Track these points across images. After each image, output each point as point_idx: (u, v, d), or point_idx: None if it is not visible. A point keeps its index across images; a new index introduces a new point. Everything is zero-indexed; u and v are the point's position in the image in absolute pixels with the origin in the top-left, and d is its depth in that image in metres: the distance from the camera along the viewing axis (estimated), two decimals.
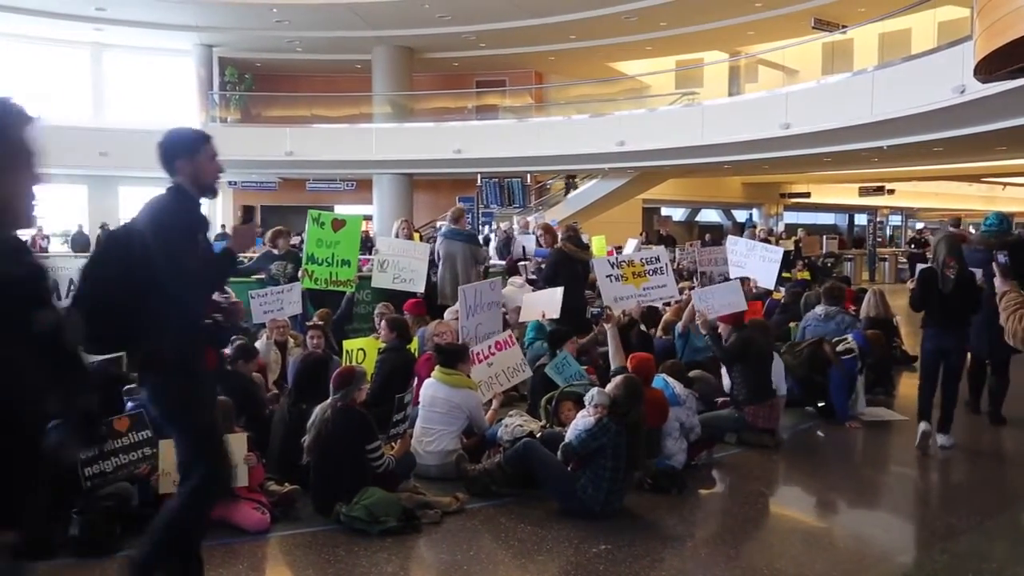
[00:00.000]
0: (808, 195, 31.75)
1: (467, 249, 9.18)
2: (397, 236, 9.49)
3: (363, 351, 7.20)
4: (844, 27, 18.27)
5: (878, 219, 33.20)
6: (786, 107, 15.77)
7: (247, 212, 26.08)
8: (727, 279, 9.96)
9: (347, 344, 7.28)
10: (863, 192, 29.35)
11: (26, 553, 1.90)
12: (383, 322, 7.10)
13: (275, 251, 8.94)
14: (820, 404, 7.58)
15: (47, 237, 21.86)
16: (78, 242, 21.81)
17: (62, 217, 23.58)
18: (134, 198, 25.19)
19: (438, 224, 19.34)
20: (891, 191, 29.13)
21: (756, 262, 9.74)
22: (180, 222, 3.44)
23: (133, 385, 5.52)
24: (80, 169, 23.20)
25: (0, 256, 1.95)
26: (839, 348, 7.50)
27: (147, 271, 3.22)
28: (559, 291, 7.72)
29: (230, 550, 4.45)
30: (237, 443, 4.71)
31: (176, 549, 3.43)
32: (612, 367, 6.19)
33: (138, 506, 4.64)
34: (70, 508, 4.34)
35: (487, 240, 13.91)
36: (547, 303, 7.65)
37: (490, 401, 6.32)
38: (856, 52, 21.12)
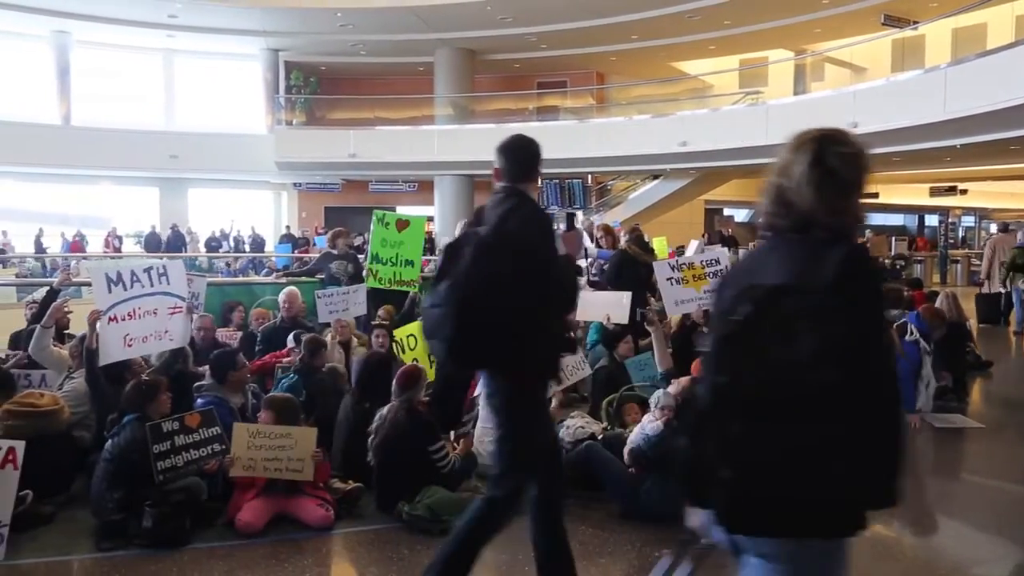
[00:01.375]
0: (876, 195, 30.90)
1: None
2: None
3: (414, 336, 7.31)
4: (915, 23, 17.79)
5: (950, 220, 32.24)
6: (854, 106, 15.42)
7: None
8: None
9: (398, 333, 7.42)
10: (934, 192, 28.50)
11: None
12: None
13: (334, 251, 9.07)
14: None
15: (119, 237, 22.53)
16: (151, 243, 22.44)
17: (134, 218, 24.26)
18: (202, 200, 25.92)
19: None
20: (964, 191, 28.23)
21: None
22: (551, 234, 3.37)
23: (204, 382, 5.68)
24: (152, 171, 24.00)
25: None
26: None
27: (524, 285, 3.16)
28: (627, 296, 7.64)
29: (296, 545, 4.52)
30: (306, 437, 4.79)
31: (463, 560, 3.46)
32: (659, 370, 6.12)
33: (207, 500, 4.76)
34: (144, 501, 4.46)
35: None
36: (613, 306, 7.57)
37: (549, 400, 6.30)
38: (928, 48, 20.53)
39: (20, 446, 4.26)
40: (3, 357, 6.88)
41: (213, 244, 23.29)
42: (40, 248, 21.06)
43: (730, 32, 20.73)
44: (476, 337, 3.14)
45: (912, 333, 7.26)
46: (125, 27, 21.80)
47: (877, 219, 34.13)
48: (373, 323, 7.66)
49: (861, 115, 15.16)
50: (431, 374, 7.13)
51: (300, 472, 4.74)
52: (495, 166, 3.44)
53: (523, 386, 3.32)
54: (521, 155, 3.43)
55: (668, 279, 7.12)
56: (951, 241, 27.67)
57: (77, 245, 21.27)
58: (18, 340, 7.25)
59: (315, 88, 25.28)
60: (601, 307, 7.71)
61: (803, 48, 22.88)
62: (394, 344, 7.30)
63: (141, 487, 4.53)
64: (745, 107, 19.70)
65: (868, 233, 20.41)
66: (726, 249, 11.16)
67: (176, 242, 22.36)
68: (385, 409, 5.02)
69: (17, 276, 16.63)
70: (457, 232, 9.61)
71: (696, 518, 2.23)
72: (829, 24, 19.79)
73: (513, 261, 3.14)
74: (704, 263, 7.20)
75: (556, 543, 3.51)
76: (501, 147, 3.45)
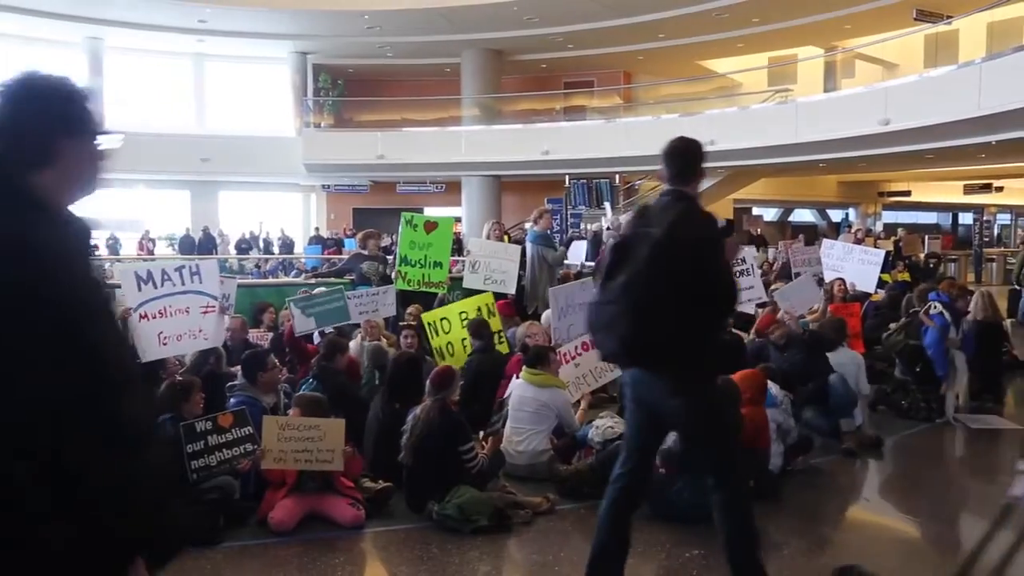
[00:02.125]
0: (908, 193, 30.59)
1: (537, 250, 9.24)
2: (488, 238, 9.56)
3: (448, 320, 7.39)
4: (949, 17, 17.53)
5: (984, 218, 31.73)
6: (885, 102, 15.23)
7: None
8: (821, 279, 9.73)
9: (428, 316, 7.56)
10: (968, 190, 28.08)
11: None
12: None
13: (364, 252, 9.12)
14: (917, 368, 7.42)
15: (153, 240, 22.81)
16: (185, 245, 22.71)
17: (167, 221, 24.56)
18: (233, 202, 26.17)
19: (526, 225, 19.43)
20: (999, 188, 27.79)
21: (854, 264, 9.46)
22: (720, 238, 3.48)
23: (236, 382, 5.74)
24: (183, 175, 24.29)
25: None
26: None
27: (696, 286, 3.27)
28: None
29: (327, 544, 4.56)
30: (335, 428, 4.82)
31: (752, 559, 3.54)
32: None
33: (240, 499, 4.81)
34: (178, 500, 4.51)
35: (569, 241, 13.77)
36: None
37: (578, 401, 6.31)
38: (962, 43, 20.22)
39: None
40: None
41: (243, 246, 23.51)
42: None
43: (758, 30, 20.56)
44: (652, 335, 3.26)
45: (936, 308, 7.34)
46: (156, 32, 22.09)
47: (909, 217, 33.72)
48: (401, 323, 7.70)
49: (893, 112, 15.00)
50: (465, 357, 7.25)
51: (330, 463, 4.78)
52: (660, 169, 3.55)
53: (699, 383, 3.42)
54: (685, 158, 3.53)
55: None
56: (986, 239, 27.18)
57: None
58: None
59: (343, 90, 25.44)
60: None
61: (833, 45, 22.63)
62: (427, 327, 7.38)
63: (176, 485, 4.59)
64: (774, 105, 19.53)
65: (901, 231, 20.12)
66: (753, 248, 11.07)
67: (207, 244, 22.61)
68: (418, 409, 5.05)
69: None
70: (485, 234, 9.68)
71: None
72: (860, 20, 19.56)
73: (688, 262, 3.26)
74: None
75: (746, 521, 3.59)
76: (666, 152, 3.54)
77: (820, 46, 22.77)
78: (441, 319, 7.64)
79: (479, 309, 7.70)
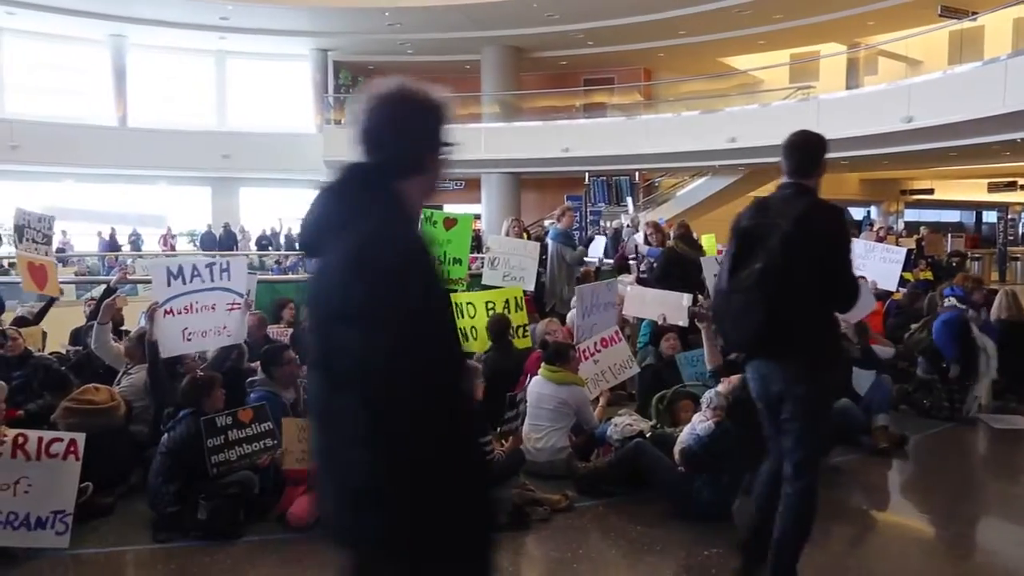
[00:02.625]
0: (931, 191, 30.32)
1: (556, 247, 9.24)
2: (508, 234, 9.54)
3: (472, 304, 7.55)
4: (974, 14, 17.33)
5: (1009, 216, 31.36)
6: (908, 100, 15.09)
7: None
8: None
9: (456, 298, 7.70)
10: (992, 188, 27.76)
11: None
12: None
13: None
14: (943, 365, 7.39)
15: (175, 236, 22.98)
16: (207, 241, 22.86)
17: (188, 217, 24.74)
18: (253, 199, 26.33)
19: (546, 223, 19.39)
20: None
21: (876, 263, 9.35)
22: (847, 231, 3.60)
23: (256, 378, 5.77)
24: (204, 171, 24.45)
25: None
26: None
27: (823, 278, 3.38)
28: (687, 297, 7.57)
29: None
30: None
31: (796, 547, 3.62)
32: (708, 368, 6.05)
33: (259, 494, 4.83)
34: (199, 493, 4.55)
35: (589, 240, 13.76)
36: (671, 307, 7.45)
37: (597, 398, 6.29)
38: (987, 39, 19.99)
39: (81, 438, 4.39)
40: (64, 353, 7.08)
41: (263, 242, 23.64)
42: (113, 246, 21.52)
43: (780, 26, 20.44)
44: (785, 324, 3.36)
45: (950, 302, 7.51)
46: (179, 30, 22.27)
47: (933, 215, 33.39)
48: None
49: (916, 109, 14.85)
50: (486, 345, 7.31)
51: None
52: (779, 161, 3.65)
53: (821, 372, 3.49)
54: (805, 151, 3.64)
55: (715, 275, 7.03)
56: (1010, 238, 26.86)
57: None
58: (78, 336, 7.47)
59: (363, 87, 25.50)
60: (658, 306, 7.61)
61: (856, 42, 22.46)
62: (456, 307, 7.51)
63: (196, 480, 4.62)
64: (796, 102, 19.39)
65: (923, 230, 19.95)
66: None
67: (228, 241, 22.75)
68: None
69: (77, 274, 17.07)
70: (504, 231, 9.66)
71: None
72: (883, 17, 19.39)
73: (819, 254, 3.35)
74: None
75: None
76: (786, 145, 3.65)
77: (843, 43, 22.60)
78: (467, 303, 7.75)
79: (507, 302, 7.73)
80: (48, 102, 23.02)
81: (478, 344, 7.50)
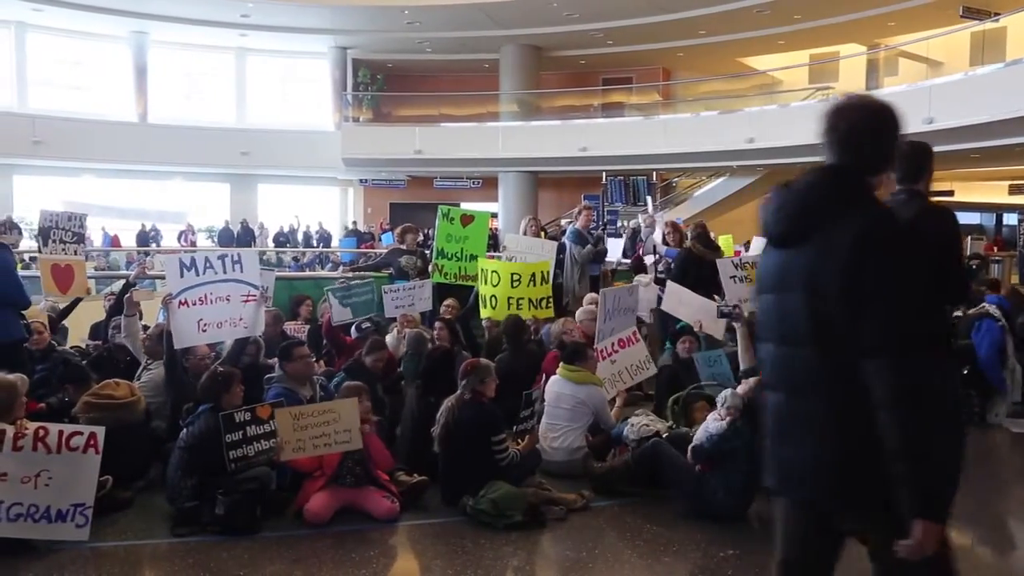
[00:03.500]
0: (951, 193, 29.95)
1: (570, 246, 9.25)
2: (525, 233, 9.54)
3: (497, 273, 7.66)
4: (996, 14, 17.14)
5: None
6: (929, 101, 14.95)
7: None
8: None
9: (482, 263, 7.92)
10: (1014, 190, 27.44)
11: None
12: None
13: (402, 246, 9.16)
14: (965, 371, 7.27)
15: (194, 232, 23.12)
16: (224, 237, 22.99)
17: (206, 214, 24.87)
18: (271, 195, 26.46)
19: (563, 222, 19.38)
20: None
21: None
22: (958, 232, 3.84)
23: (273, 374, 5.80)
24: (223, 168, 24.58)
25: None
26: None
27: (941, 275, 3.45)
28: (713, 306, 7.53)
29: (362, 536, 4.60)
30: (348, 407, 4.86)
31: None
32: (741, 368, 6.02)
33: (276, 490, 4.86)
34: (217, 489, 4.58)
35: (597, 239, 13.56)
36: (706, 314, 7.35)
37: (613, 399, 6.28)
38: (1009, 41, 19.78)
39: (100, 432, 4.42)
40: (84, 347, 7.14)
41: (281, 239, 23.75)
42: (144, 241, 21.65)
43: (800, 27, 20.31)
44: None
45: (993, 310, 7.33)
46: (200, 27, 22.39)
47: None
48: (439, 317, 7.70)
49: (937, 111, 14.71)
50: (508, 314, 7.39)
51: (349, 442, 4.81)
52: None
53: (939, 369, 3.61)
54: (912, 159, 3.74)
55: (732, 277, 7.00)
56: None
57: (116, 240, 21.64)
58: (98, 331, 7.53)
59: (382, 85, 25.57)
60: (695, 311, 7.52)
61: (876, 42, 22.28)
62: (479, 272, 7.81)
63: (214, 475, 4.65)
64: (815, 103, 19.25)
65: None
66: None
67: (245, 237, 22.86)
68: (447, 400, 5.07)
69: (96, 269, 17.19)
70: (522, 229, 9.65)
71: None
72: (904, 17, 19.23)
73: (935, 254, 3.43)
74: None
75: None
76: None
77: (863, 43, 22.42)
78: (492, 271, 7.81)
79: (532, 276, 7.75)
80: (70, 98, 23.20)
81: (497, 312, 7.62)
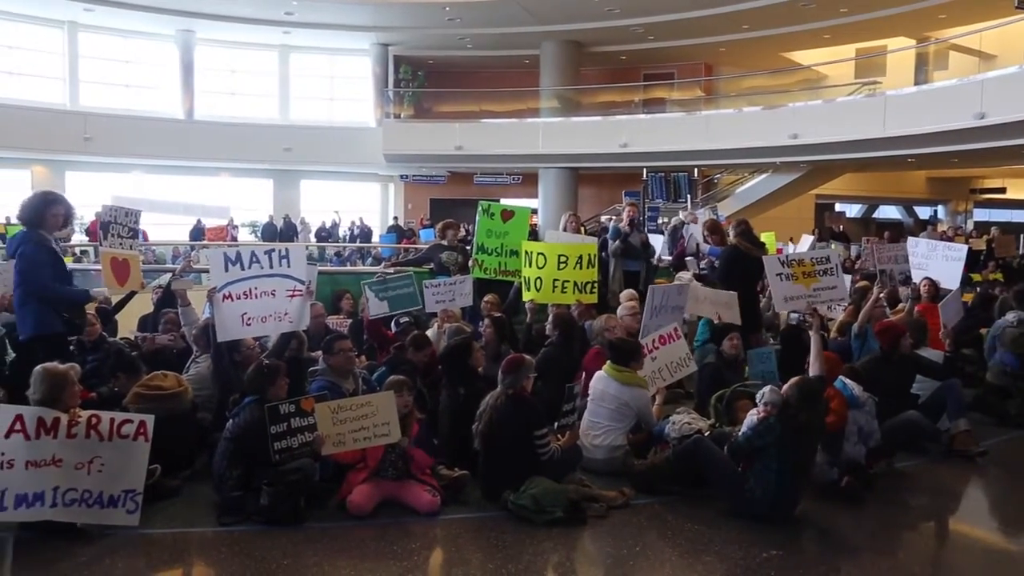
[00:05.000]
0: (1003, 190, 29.34)
1: (609, 242, 9.24)
2: (565, 229, 9.53)
3: (543, 255, 7.78)
4: None
5: None
6: (981, 95, 14.64)
7: None
8: (908, 278, 9.45)
9: (527, 245, 8.05)
10: None
11: None
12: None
13: (444, 242, 9.20)
14: None
15: (236, 227, 23.40)
16: (267, 232, 23.24)
17: (249, 209, 25.15)
18: (313, 191, 26.74)
19: (602, 218, 19.27)
20: None
21: (938, 262, 9.16)
22: None
23: (317, 367, 5.87)
24: (266, 164, 24.91)
25: None
26: None
27: None
28: (733, 296, 7.51)
29: (403, 528, 4.64)
30: (385, 400, 4.91)
31: None
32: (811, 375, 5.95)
33: (319, 481, 4.92)
34: (261, 479, 4.66)
35: (626, 236, 13.42)
36: (723, 306, 7.41)
37: (653, 396, 6.25)
38: None
39: (150, 419, 4.52)
40: (133, 339, 7.29)
41: (323, 234, 23.97)
42: (196, 236, 21.99)
43: (847, 20, 19.96)
44: None
45: None
46: (245, 25, 22.69)
47: (1003, 216, 32.32)
48: (484, 313, 7.73)
49: (989, 105, 14.40)
50: (553, 297, 7.64)
51: (388, 435, 4.85)
52: None
53: None
54: None
55: (778, 275, 6.92)
56: None
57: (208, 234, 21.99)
58: (146, 323, 7.67)
59: (422, 82, 25.68)
60: (711, 304, 7.56)
61: (926, 35, 21.83)
62: (523, 255, 7.93)
63: (258, 466, 4.73)
64: (861, 98, 18.98)
65: (994, 231, 19.33)
66: (839, 246, 10.80)
67: (288, 232, 23.10)
68: (489, 396, 5.09)
69: (145, 263, 17.46)
70: (562, 225, 9.64)
71: None
72: (955, 9, 18.81)
73: None
74: (814, 260, 6.96)
75: None
76: None
77: (912, 37, 21.99)
78: (538, 253, 7.88)
79: (580, 258, 7.75)
80: (119, 96, 23.65)
81: (541, 295, 7.75)
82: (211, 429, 5.49)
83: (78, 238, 18.84)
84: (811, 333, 5.76)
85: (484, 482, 5.07)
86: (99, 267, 7.31)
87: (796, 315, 6.75)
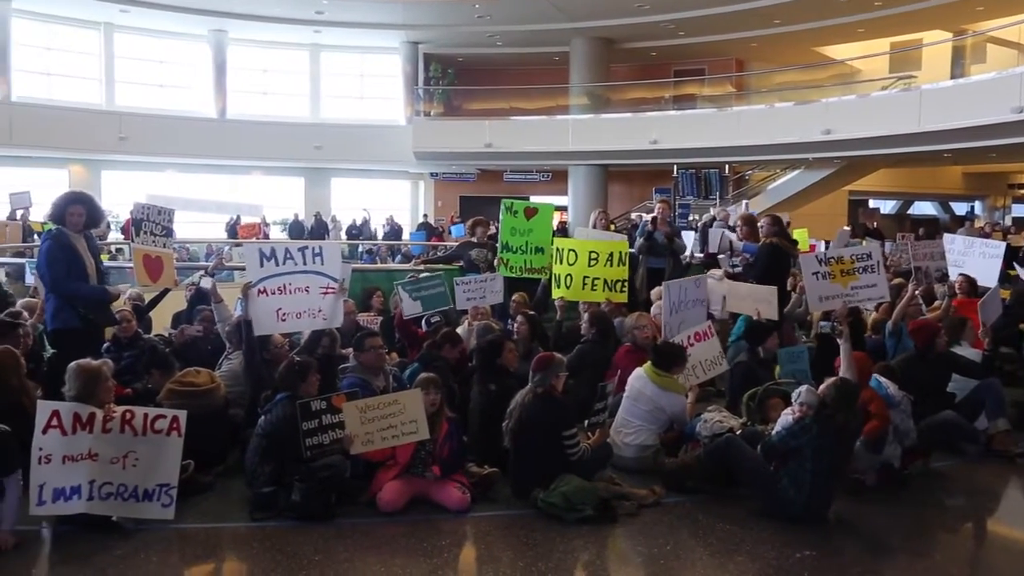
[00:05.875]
0: None
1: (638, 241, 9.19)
2: (594, 226, 9.50)
3: (574, 252, 7.79)
4: None
5: None
6: (1021, 88, 14.35)
7: None
8: (945, 275, 9.29)
9: (559, 242, 8.08)
10: None
11: None
12: (586, 316, 7.23)
13: (473, 239, 9.20)
14: None
15: (268, 224, 23.61)
16: (294, 230, 23.42)
17: (281, 207, 25.37)
18: (344, 189, 26.92)
19: (632, 215, 19.21)
20: None
21: (975, 259, 9.01)
22: None
23: (349, 364, 5.90)
24: (298, 162, 25.13)
25: None
26: None
27: None
28: (773, 291, 7.41)
29: (433, 525, 4.65)
30: (413, 398, 4.92)
31: None
32: None
33: (350, 478, 4.95)
34: (293, 475, 4.69)
35: (645, 234, 13.24)
36: (762, 301, 7.32)
37: (686, 394, 6.20)
38: None
39: (183, 415, 4.57)
40: (167, 336, 7.38)
41: (353, 232, 24.11)
42: (231, 232, 22.23)
43: (881, 14, 19.67)
44: None
45: None
46: (276, 24, 22.88)
47: None
48: (515, 311, 7.72)
49: None
50: (582, 295, 7.69)
51: (416, 433, 4.86)
52: None
53: None
54: None
55: (814, 273, 6.82)
56: None
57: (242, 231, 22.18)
58: (179, 320, 7.77)
59: (452, 79, 25.73)
60: (750, 301, 7.46)
61: (963, 28, 21.46)
62: (555, 252, 7.96)
63: (290, 462, 4.76)
64: (896, 92, 18.70)
65: None
66: (881, 244, 10.64)
67: (319, 230, 23.27)
68: (519, 394, 5.08)
69: (178, 261, 17.67)
70: (592, 222, 9.60)
71: None
72: (993, 1, 18.48)
73: None
74: (854, 257, 6.85)
75: None
76: None
77: (948, 30, 21.63)
78: (569, 249, 7.89)
79: (611, 255, 7.75)
80: (153, 95, 23.95)
81: (571, 292, 7.76)
82: (243, 425, 5.54)
83: (114, 236, 19.14)
84: (840, 342, 5.70)
85: (514, 480, 5.06)
86: (132, 264, 7.43)
87: (826, 324, 6.65)
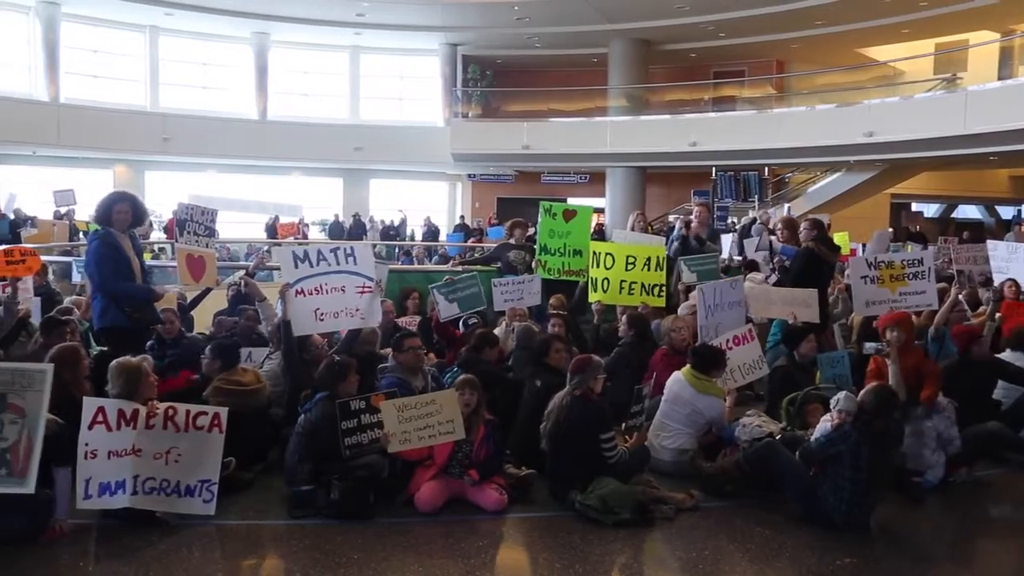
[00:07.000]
0: None
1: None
2: (632, 229, 9.47)
3: (611, 255, 7.78)
4: None
5: None
6: None
7: None
8: (988, 279, 9.13)
9: (595, 245, 8.08)
10: None
11: None
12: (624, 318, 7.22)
13: (511, 241, 9.21)
14: None
15: (307, 224, 23.85)
16: (334, 231, 23.61)
17: (320, 207, 25.62)
18: (383, 190, 27.11)
19: (670, 218, 19.08)
20: None
21: (1020, 264, 8.83)
22: None
23: (387, 364, 5.94)
24: (337, 163, 25.35)
25: None
26: None
27: None
28: (813, 294, 7.31)
29: (470, 526, 4.67)
30: (449, 398, 4.96)
31: None
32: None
33: (388, 477, 4.98)
34: (331, 474, 4.74)
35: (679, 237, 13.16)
36: (800, 305, 7.21)
37: (724, 397, 6.15)
38: None
39: (224, 411, 4.64)
40: (209, 335, 7.48)
41: (390, 232, 24.26)
42: (273, 233, 22.52)
43: (926, 14, 19.35)
44: None
45: None
46: (317, 27, 23.14)
47: None
48: (551, 311, 7.73)
49: None
50: (619, 299, 7.70)
51: (452, 433, 4.89)
52: None
53: None
54: None
55: (863, 277, 6.73)
56: None
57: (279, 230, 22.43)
58: (220, 323, 7.87)
59: (491, 81, 25.79)
60: (786, 304, 7.38)
61: (1010, 28, 21.03)
62: (592, 255, 7.94)
63: (329, 461, 4.81)
64: (941, 94, 18.39)
65: None
66: (929, 249, 10.45)
67: (357, 231, 23.44)
68: (556, 396, 5.08)
69: (219, 260, 17.89)
70: (630, 224, 9.56)
71: None
72: None
73: None
74: (905, 262, 6.73)
75: None
76: None
77: (995, 30, 21.20)
78: (607, 253, 7.88)
79: (648, 259, 7.73)
80: (196, 97, 24.35)
81: (608, 296, 7.76)
82: (283, 424, 5.60)
83: (157, 235, 19.48)
84: (888, 363, 5.61)
85: (551, 482, 5.06)
86: (175, 263, 7.55)
87: (872, 346, 6.54)
